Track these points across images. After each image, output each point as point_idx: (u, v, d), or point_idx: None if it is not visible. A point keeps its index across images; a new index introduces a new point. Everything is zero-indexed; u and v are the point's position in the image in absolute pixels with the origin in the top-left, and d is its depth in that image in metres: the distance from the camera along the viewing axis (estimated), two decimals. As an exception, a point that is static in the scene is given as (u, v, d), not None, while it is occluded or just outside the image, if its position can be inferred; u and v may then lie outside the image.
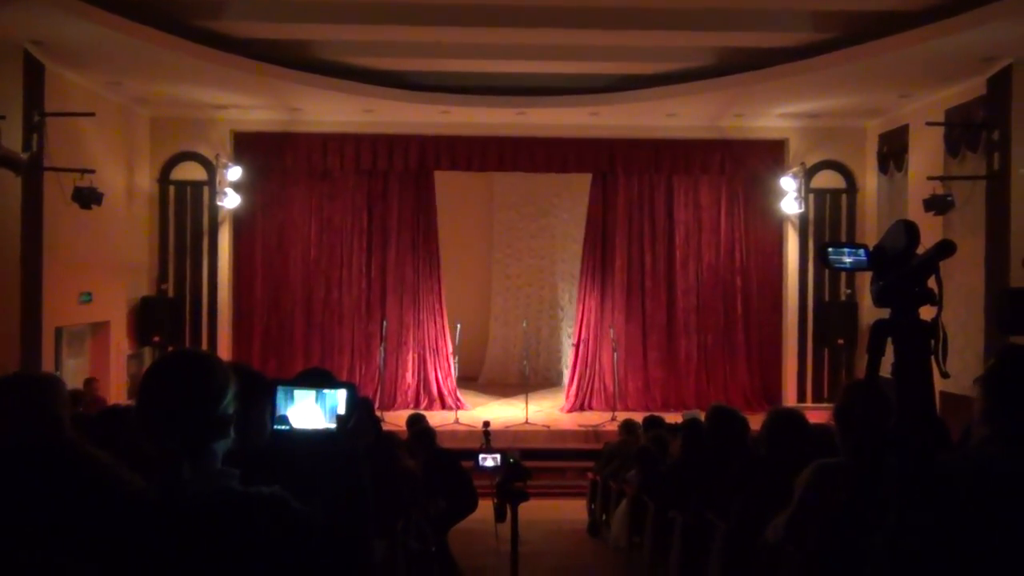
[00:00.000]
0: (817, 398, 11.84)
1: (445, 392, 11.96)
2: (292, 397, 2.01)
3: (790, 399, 11.91)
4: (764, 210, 12.24)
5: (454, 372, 11.92)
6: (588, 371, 12.15)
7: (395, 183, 12.28)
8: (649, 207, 12.37)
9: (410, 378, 12.01)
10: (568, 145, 11.85)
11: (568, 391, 12.33)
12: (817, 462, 2.80)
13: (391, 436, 5.26)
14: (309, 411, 2.01)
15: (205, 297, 11.59)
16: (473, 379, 14.42)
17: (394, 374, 11.98)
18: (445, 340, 12.15)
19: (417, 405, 11.71)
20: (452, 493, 5.67)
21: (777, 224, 12.25)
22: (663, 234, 12.37)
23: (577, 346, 12.34)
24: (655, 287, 12.34)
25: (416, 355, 12.04)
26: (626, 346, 12.23)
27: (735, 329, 12.30)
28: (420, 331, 12.22)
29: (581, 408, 11.77)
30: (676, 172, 12.21)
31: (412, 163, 11.90)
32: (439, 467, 5.83)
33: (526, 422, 10.81)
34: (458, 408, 11.65)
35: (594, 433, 10.60)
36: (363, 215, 12.25)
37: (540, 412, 11.70)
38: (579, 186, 14.49)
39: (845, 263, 2.01)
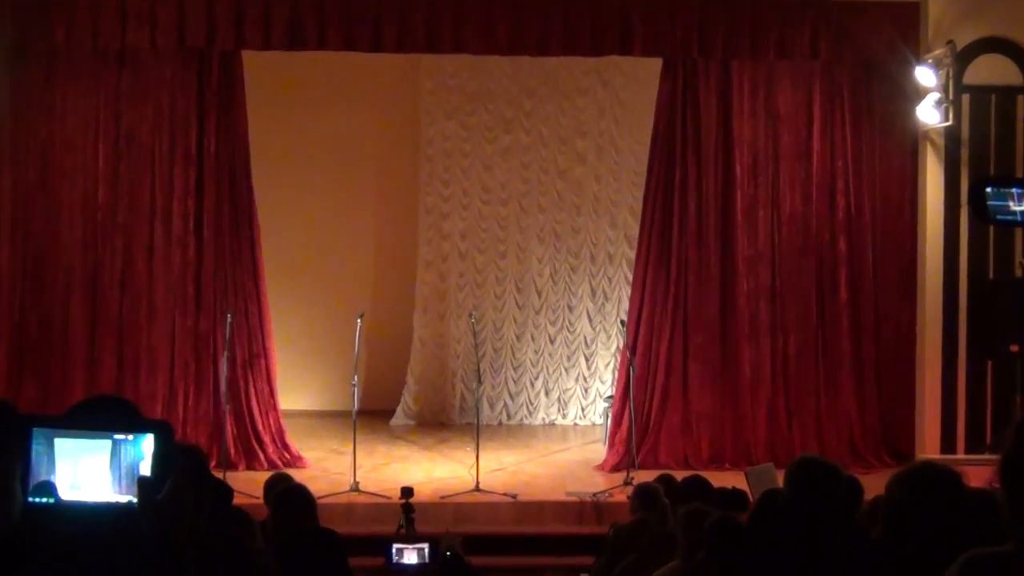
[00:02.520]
0: (974, 445, 12.05)
1: (263, 436, 11.93)
2: (60, 448, 2.01)
3: (930, 447, 12.14)
4: (885, 122, 12.44)
5: (279, 401, 12.28)
6: (651, 401, 12.29)
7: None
8: (691, 115, 12.47)
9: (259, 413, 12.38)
10: (548, 7, 11.87)
11: (612, 435, 12.38)
12: (970, 553, 2.80)
13: (239, 516, 5.22)
14: (92, 472, 2.01)
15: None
16: (384, 414, 14.54)
17: (246, 407, 12.11)
18: (263, 345, 12.13)
19: (249, 463, 11.73)
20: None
21: (907, 146, 12.46)
22: (713, 163, 12.48)
23: (629, 357, 12.45)
24: (701, 255, 12.49)
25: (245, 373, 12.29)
26: (650, 356, 12.39)
27: (837, 327, 12.52)
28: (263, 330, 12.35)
29: (635, 466, 11.74)
30: (736, 56, 12.32)
31: (277, 37, 11.79)
32: (304, 561, 5.79)
33: (476, 488, 10.89)
34: (287, 464, 11.75)
35: (594, 507, 10.72)
36: (190, 129, 12.14)
37: (502, 472, 11.87)
38: (569, 78, 14.70)
39: (1014, 213, 2.00)
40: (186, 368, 12.07)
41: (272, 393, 12.21)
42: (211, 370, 11.90)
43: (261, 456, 11.86)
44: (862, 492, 5.17)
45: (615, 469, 11.74)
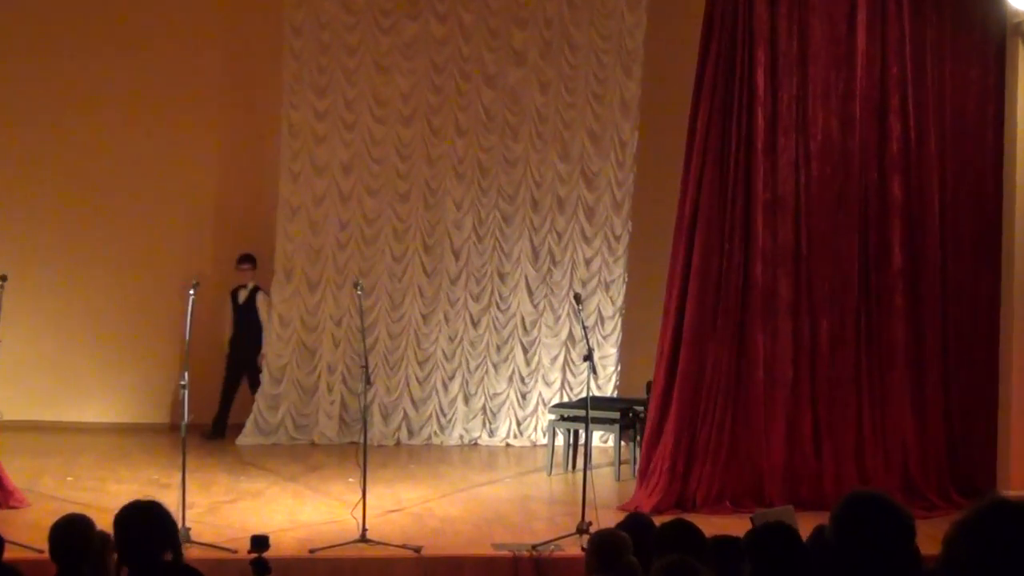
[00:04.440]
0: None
1: None
2: None
3: (1018, 479, 12.27)
4: (960, 10, 12.45)
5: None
6: (700, 416, 12.22)
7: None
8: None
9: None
10: None
11: (646, 459, 12.27)
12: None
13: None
14: None
15: None
16: (229, 429, 14.58)
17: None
18: None
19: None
20: None
21: (991, 45, 12.50)
22: (719, 72, 12.35)
23: (671, 349, 12.36)
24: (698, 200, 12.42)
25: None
26: (703, 355, 12.30)
27: (888, 308, 12.56)
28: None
29: (683, 504, 11.86)
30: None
31: None
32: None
33: (362, 538, 10.91)
34: None
35: (534, 566, 10.65)
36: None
37: (400, 514, 11.95)
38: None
39: None
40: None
41: None
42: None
43: None
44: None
45: (658, 511, 11.49)
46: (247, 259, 14.99)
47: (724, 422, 12.25)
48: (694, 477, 12.10)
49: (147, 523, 6.44)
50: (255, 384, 14.89)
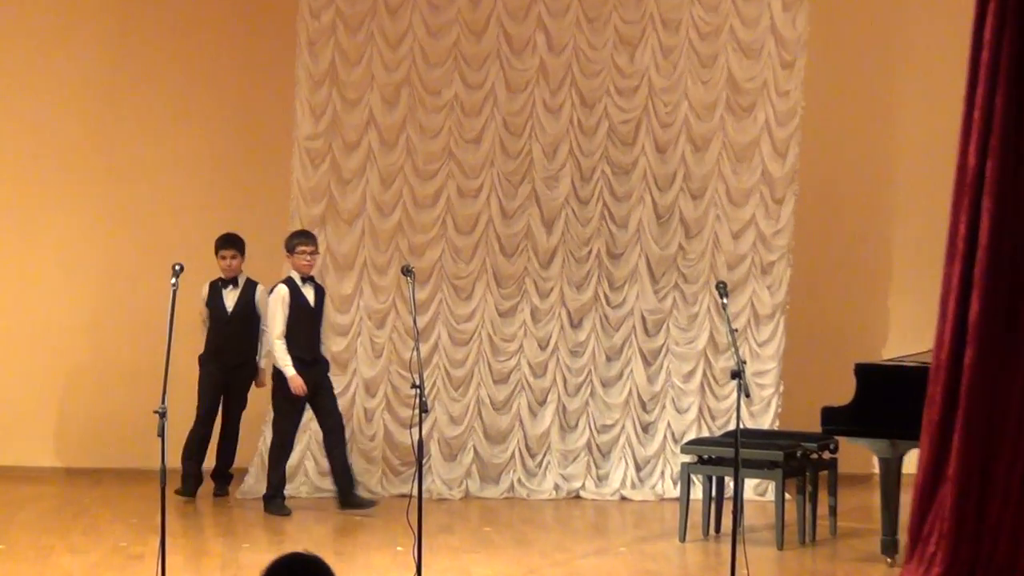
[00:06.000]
0: None
1: None
2: None
3: None
4: None
5: None
6: (999, 444, 11.82)
7: None
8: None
9: None
10: None
11: (929, 520, 11.94)
12: None
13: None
14: None
15: None
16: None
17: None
18: None
19: None
20: None
21: None
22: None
23: (950, 358, 12.00)
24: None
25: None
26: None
27: None
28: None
29: None
30: None
31: None
32: None
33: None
34: None
35: None
36: None
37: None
38: None
39: None
40: None
41: None
42: None
43: None
44: None
45: None
46: (233, 242, 14.52)
47: (1015, 463, 11.80)
48: (986, 541, 11.76)
49: None
50: (235, 425, 14.63)
